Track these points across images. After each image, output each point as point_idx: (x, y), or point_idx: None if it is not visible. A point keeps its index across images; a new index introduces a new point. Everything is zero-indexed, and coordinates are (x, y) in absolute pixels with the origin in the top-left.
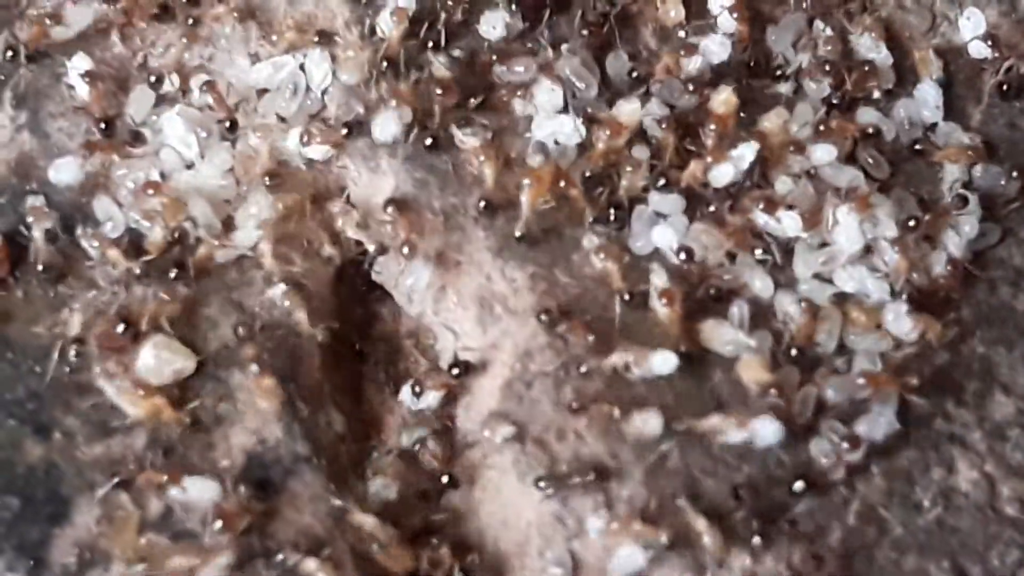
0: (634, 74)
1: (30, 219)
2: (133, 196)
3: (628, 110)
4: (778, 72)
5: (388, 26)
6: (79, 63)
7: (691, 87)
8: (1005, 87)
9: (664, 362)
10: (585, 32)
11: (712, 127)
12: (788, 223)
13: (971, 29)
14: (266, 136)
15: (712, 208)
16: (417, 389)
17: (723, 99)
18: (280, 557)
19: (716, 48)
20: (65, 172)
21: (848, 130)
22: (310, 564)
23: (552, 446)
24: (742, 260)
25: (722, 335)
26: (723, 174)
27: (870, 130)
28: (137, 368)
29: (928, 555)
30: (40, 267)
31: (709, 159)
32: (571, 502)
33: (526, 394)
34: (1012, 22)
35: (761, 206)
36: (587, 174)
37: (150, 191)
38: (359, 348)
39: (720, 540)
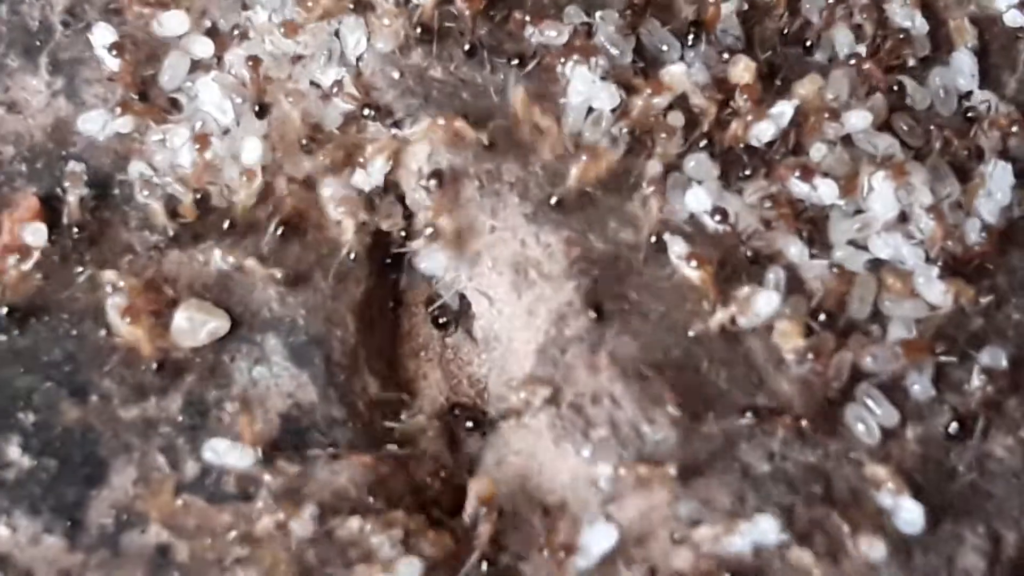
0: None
1: (66, 183)
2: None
3: (676, 72)
4: (807, 43)
5: None
6: (102, 36)
7: (725, 56)
8: None
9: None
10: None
11: (744, 97)
12: (825, 191)
13: None
14: (298, 102)
15: (748, 172)
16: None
17: (742, 68)
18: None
19: None
20: (92, 124)
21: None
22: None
23: (587, 410)
24: (777, 226)
25: (759, 300)
26: (764, 131)
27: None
28: (172, 330)
29: (963, 520)
30: (74, 229)
31: (749, 117)
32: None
33: (560, 359)
34: None
35: (798, 174)
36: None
37: (197, 145)
38: (394, 311)
39: None
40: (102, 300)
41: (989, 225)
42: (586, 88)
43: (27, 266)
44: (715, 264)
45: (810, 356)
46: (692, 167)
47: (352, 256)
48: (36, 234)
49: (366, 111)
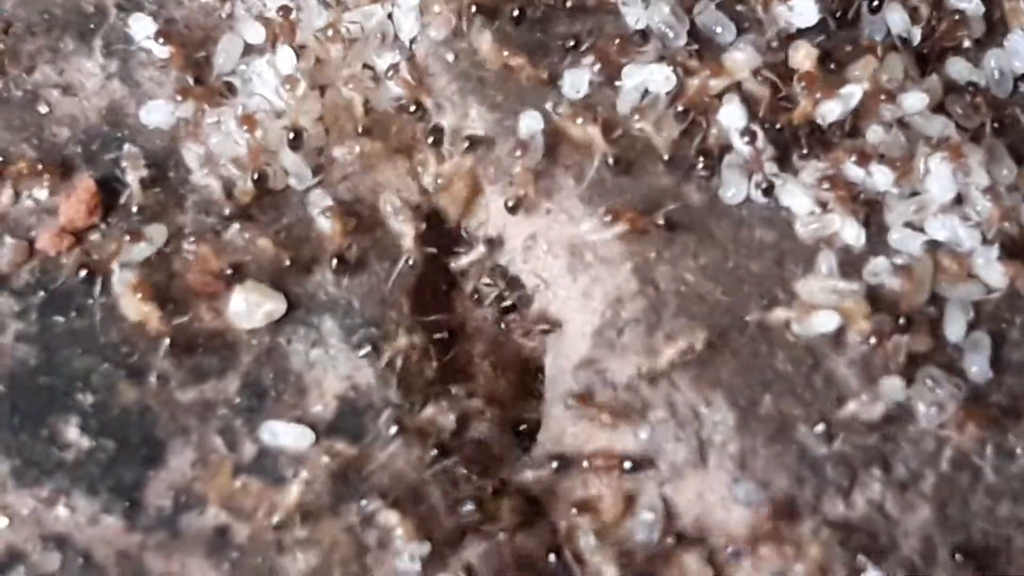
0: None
1: (125, 164)
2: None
3: (739, 58)
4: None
5: None
6: (140, 28)
7: (776, 43)
8: None
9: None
10: None
11: (802, 84)
12: (879, 177)
13: None
14: (359, 87)
15: (806, 151)
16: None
17: (803, 55)
18: (364, 502)
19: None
20: (156, 114)
21: None
22: (391, 517)
23: (644, 392)
24: (834, 207)
25: (818, 285)
26: (831, 111)
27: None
28: (229, 313)
29: (1022, 502)
30: (134, 210)
31: (819, 95)
32: (664, 448)
33: (617, 341)
34: None
35: (854, 158)
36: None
37: (244, 126)
38: (447, 293)
39: None
40: (160, 282)
41: None
42: (641, 72)
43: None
44: None
45: (872, 340)
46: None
47: (411, 263)
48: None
49: (412, 108)
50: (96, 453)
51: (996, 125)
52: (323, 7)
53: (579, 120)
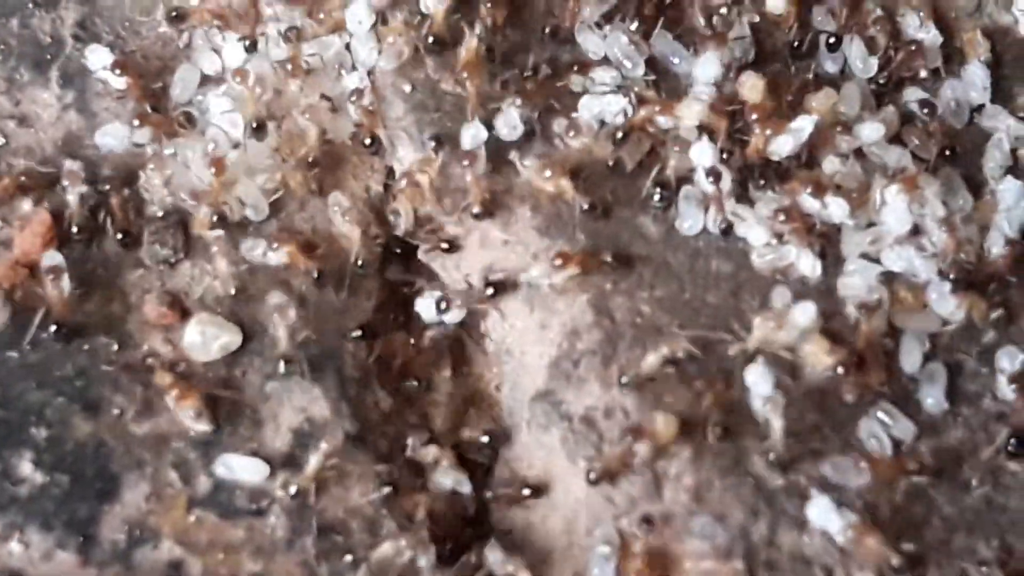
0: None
1: (65, 182)
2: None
3: (694, 107)
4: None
5: (432, 2)
6: (97, 59)
7: (731, 73)
8: None
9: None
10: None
11: (754, 116)
12: (835, 209)
13: None
14: (315, 118)
15: (763, 182)
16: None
17: (749, 86)
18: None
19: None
20: (111, 137)
21: None
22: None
23: (599, 424)
24: (790, 239)
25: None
26: (783, 145)
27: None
28: (184, 345)
29: (976, 534)
30: (75, 230)
31: (769, 131)
32: (619, 481)
33: (573, 373)
34: None
35: (810, 189)
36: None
37: (213, 169)
38: (406, 325)
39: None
40: (115, 314)
41: (1012, 240)
42: (598, 102)
43: (64, 283)
44: None
45: (840, 370)
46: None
47: (360, 263)
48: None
49: (368, 141)
50: (50, 488)
51: (948, 152)
52: (282, 39)
53: (547, 173)
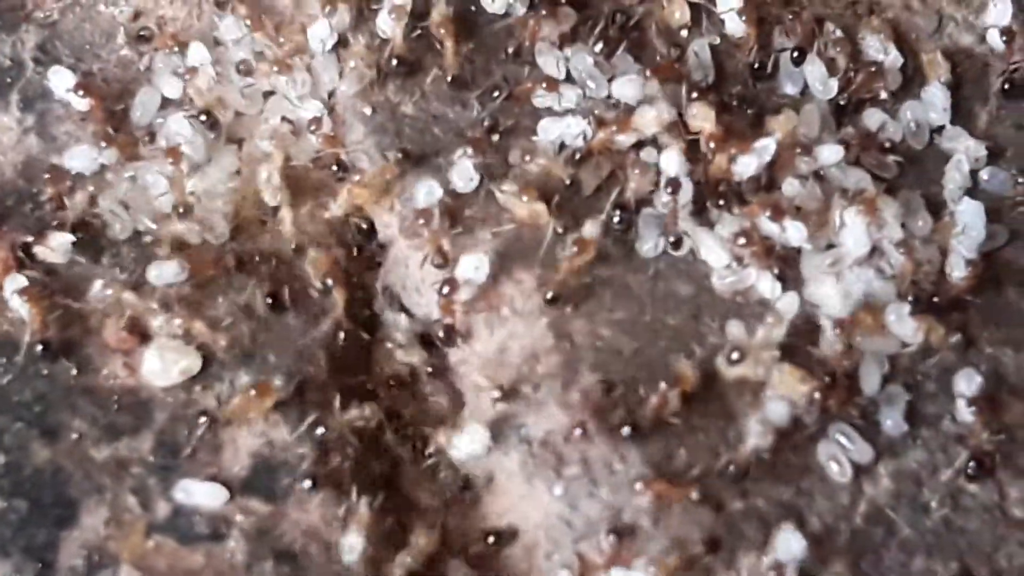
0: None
1: None
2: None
3: (648, 116)
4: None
5: (389, 26)
6: (60, 81)
7: (694, 94)
8: (1007, 86)
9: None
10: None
11: (711, 145)
12: (793, 233)
13: (995, 16)
14: (281, 143)
15: (722, 203)
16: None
17: (701, 118)
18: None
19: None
20: (79, 159)
21: None
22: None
23: (559, 447)
24: (750, 262)
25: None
26: (747, 166)
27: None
28: (143, 370)
29: (936, 556)
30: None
31: (733, 150)
32: (579, 504)
33: (533, 396)
34: (1021, 23)
35: (768, 213)
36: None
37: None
38: (367, 347)
39: None
40: (74, 338)
41: (972, 261)
42: (557, 125)
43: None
44: None
45: (817, 396)
46: (666, 200)
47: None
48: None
49: (334, 167)
50: (8, 514)
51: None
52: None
53: (524, 199)
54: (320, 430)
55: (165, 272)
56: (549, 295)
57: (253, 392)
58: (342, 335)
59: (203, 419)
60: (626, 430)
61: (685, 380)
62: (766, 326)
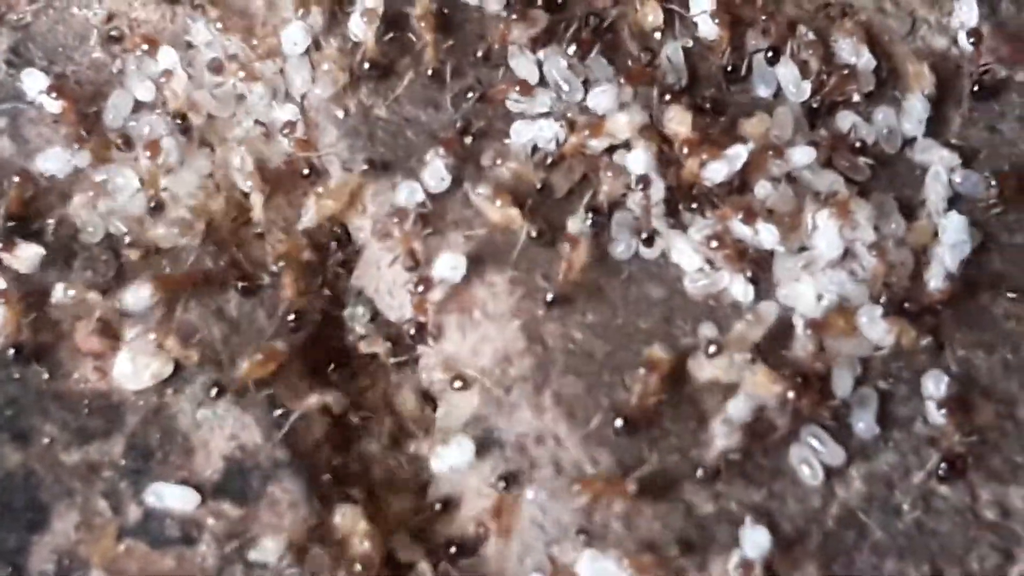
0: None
1: None
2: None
3: (620, 120)
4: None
5: (361, 29)
6: (33, 83)
7: (667, 97)
8: (976, 88)
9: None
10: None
11: (684, 150)
12: (765, 236)
13: (962, 17)
14: (251, 148)
15: (695, 206)
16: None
17: (677, 121)
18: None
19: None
20: (53, 162)
21: None
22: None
23: (531, 451)
24: (721, 265)
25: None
26: (717, 171)
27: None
28: (115, 374)
29: (907, 559)
30: None
31: (704, 156)
32: (550, 507)
33: (505, 399)
34: (992, 25)
35: (740, 216)
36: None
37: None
38: (341, 351)
39: None
40: (46, 342)
41: (952, 275)
42: (529, 128)
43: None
44: None
45: (791, 395)
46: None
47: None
48: None
49: (306, 171)
50: None
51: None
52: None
53: (498, 203)
54: (287, 427)
55: (140, 297)
56: (550, 296)
57: (260, 356)
58: (306, 330)
59: None
60: (619, 422)
61: (660, 364)
62: (744, 323)
